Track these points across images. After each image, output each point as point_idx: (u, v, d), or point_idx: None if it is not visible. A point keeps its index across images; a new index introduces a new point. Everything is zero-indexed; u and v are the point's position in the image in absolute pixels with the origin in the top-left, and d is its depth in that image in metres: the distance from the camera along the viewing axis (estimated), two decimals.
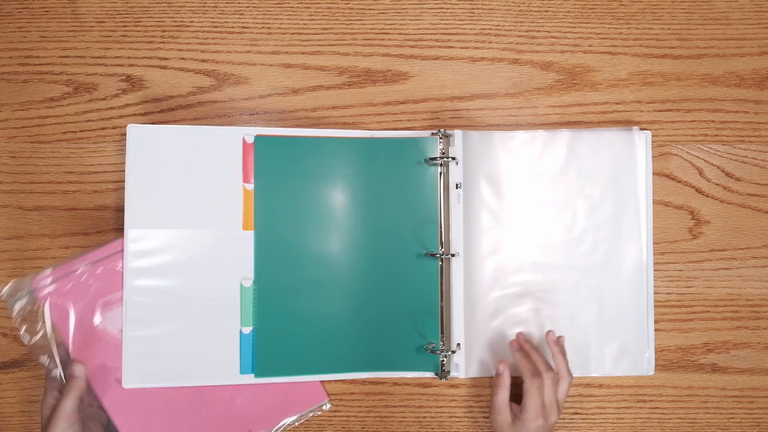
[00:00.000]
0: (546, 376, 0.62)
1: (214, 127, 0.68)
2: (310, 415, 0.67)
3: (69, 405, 0.59)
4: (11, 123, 0.69)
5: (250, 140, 0.67)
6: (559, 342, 0.65)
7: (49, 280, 0.63)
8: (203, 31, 0.70)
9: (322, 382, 0.68)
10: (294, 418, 0.66)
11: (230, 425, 0.66)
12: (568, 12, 0.71)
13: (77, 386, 0.60)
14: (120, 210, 0.68)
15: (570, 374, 0.63)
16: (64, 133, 0.69)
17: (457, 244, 0.67)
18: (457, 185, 0.67)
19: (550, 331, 0.66)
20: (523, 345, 0.66)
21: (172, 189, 0.66)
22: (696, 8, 0.71)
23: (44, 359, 0.62)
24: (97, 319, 0.64)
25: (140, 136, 0.66)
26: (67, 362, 0.62)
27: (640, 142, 0.69)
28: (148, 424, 0.65)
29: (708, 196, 0.70)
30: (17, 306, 0.63)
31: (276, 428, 0.66)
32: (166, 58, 0.70)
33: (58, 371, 0.61)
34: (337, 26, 0.70)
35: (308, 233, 0.67)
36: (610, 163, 0.69)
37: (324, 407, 0.68)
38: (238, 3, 0.70)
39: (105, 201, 0.69)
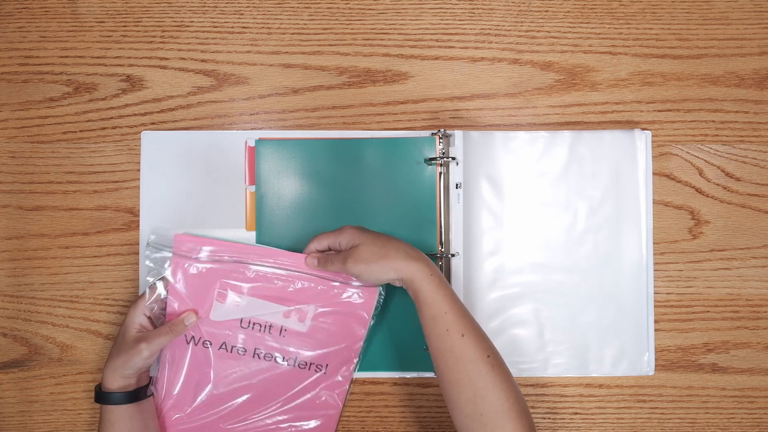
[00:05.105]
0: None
1: (220, 131, 0.69)
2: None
3: (162, 342, 0.61)
4: (11, 123, 0.69)
5: (253, 144, 0.68)
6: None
7: (188, 247, 0.64)
8: (203, 31, 0.70)
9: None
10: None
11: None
12: (568, 12, 0.71)
13: (178, 331, 0.62)
14: (119, 210, 0.69)
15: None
16: (64, 133, 0.69)
17: (457, 244, 0.67)
18: (457, 185, 0.67)
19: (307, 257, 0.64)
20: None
21: (181, 191, 0.68)
22: (696, 8, 0.71)
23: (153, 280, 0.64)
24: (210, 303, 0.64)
25: (153, 142, 0.68)
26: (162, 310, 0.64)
27: (641, 143, 0.69)
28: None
29: (708, 196, 0.70)
30: (152, 254, 0.64)
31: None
32: (166, 58, 0.70)
33: (157, 291, 0.63)
34: (337, 26, 0.70)
35: (309, 234, 0.67)
36: (611, 165, 0.69)
37: None
38: (238, 3, 0.70)
39: (105, 201, 0.69)
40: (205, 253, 0.64)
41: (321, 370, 0.65)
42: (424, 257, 0.58)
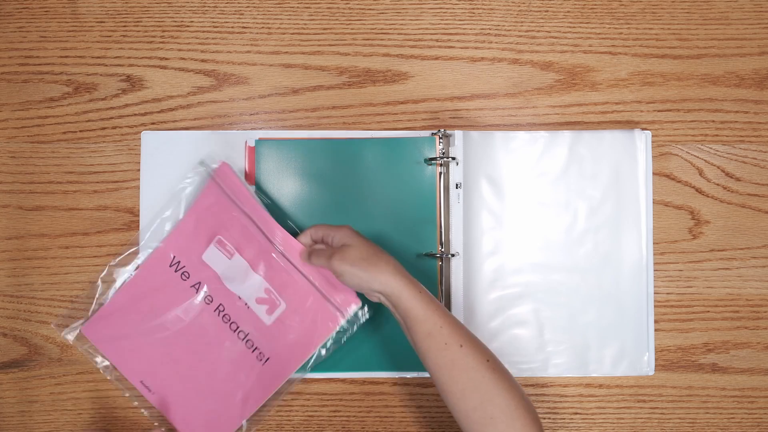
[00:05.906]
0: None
1: (220, 131, 0.69)
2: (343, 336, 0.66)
3: None
4: (11, 123, 0.69)
5: (253, 144, 0.68)
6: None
7: (224, 181, 0.65)
8: (203, 31, 0.70)
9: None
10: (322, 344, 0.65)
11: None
12: (568, 12, 0.71)
13: None
14: (119, 210, 0.69)
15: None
16: (64, 133, 0.69)
17: (457, 244, 0.67)
18: (457, 185, 0.67)
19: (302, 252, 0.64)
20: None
21: (181, 191, 0.68)
22: (696, 8, 0.71)
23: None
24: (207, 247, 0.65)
25: (153, 142, 0.68)
26: None
27: (641, 143, 0.69)
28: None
29: (708, 196, 0.70)
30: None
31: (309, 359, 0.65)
32: (166, 58, 0.70)
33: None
34: (337, 26, 0.70)
35: None
36: (611, 165, 0.69)
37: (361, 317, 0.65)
38: (238, 3, 0.70)
39: (105, 201, 0.69)
40: (231, 196, 0.65)
41: (261, 360, 0.65)
42: (411, 276, 0.58)
